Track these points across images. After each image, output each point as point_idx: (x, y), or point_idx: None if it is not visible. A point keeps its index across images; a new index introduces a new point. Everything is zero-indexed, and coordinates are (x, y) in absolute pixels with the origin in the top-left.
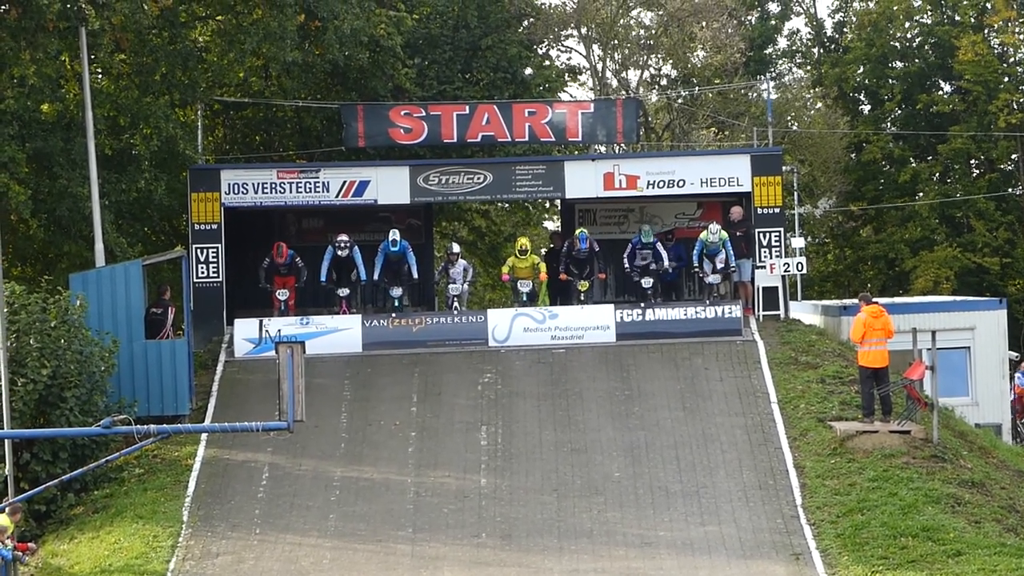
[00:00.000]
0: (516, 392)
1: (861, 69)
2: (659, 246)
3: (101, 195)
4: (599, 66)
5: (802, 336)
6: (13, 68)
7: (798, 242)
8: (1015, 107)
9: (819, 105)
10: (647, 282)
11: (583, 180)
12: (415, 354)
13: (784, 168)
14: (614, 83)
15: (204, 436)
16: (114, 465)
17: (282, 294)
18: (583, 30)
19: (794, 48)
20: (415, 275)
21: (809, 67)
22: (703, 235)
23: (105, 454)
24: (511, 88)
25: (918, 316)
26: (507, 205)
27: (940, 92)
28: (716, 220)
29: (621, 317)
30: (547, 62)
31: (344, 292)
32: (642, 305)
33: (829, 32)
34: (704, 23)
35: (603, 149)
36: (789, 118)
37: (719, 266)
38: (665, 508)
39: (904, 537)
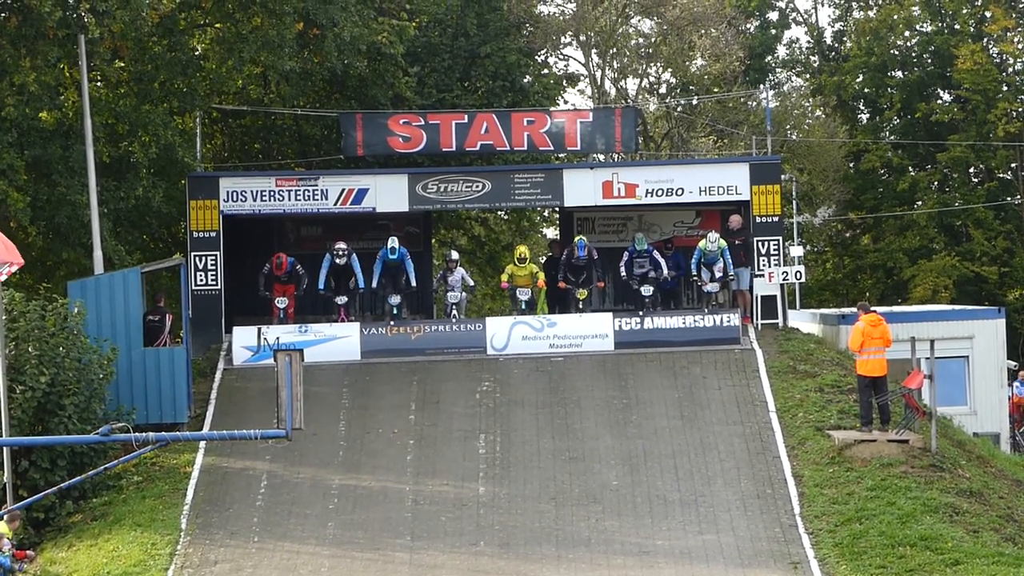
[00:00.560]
0: (514, 400)
1: (860, 78)
2: (655, 254)
3: (100, 203)
4: (598, 74)
5: (800, 345)
6: (13, 75)
7: (797, 251)
8: (1014, 116)
9: (818, 114)
10: (647, 290)
11: (582, 188)
12: (413, 362)
13: (783, 177)
14: (612, 92)
15: (202, 444)
16: (112, 473)
17: (281, 302)
18: (582, 38)
19: (793, 57)
20: (413, 283)
21: (808, 76)
22: (701, 244)
23: (103, 462)
24: (510, 96)
25: (916, 325)
26: (505, 214)
27: (939, 101)
28: (715, 229)
29: (619, 325)
30: (545, 70)
31: (342, 300)
32: (640, 313)
33: (828, 41)
34: (703, 32)
35: (601, 158)
36: (788, 127)
37: (717, 275)
38: (663, 517)
39: (902, 546)
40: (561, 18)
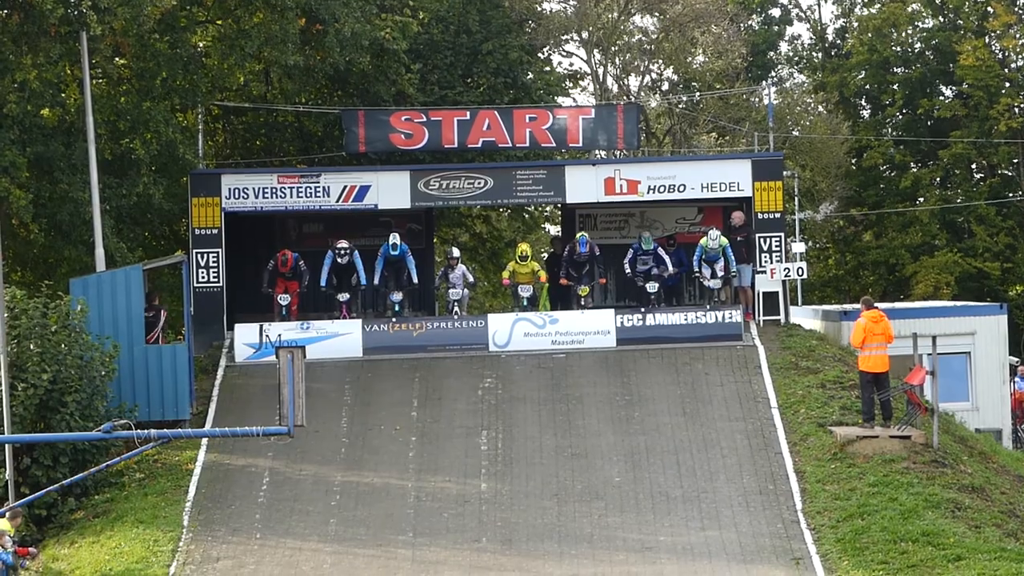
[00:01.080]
0: (516, 397)
1: (862, 74)
2: (660, 251)
3: (101, 200)
4: (600, 71)
5: (802, 341)
6: (15, 72)
7: (799, 247)
8: (1016, 112)
9: (820, 110)
10: (652, 287)
11: (584, 185)
12: (415, 359)
13: (785, 173)
14: (615, 88)
15: (204, 441)
16: (114, 470)
17: (284, 299)
18: (584, 34)
19: (796, 53)
20: (415, 279)
21: (810, 72)
22: (703, 241)
23: (106, 459)
24: (512, 93)
25: (918, 321)
26: (507, 211)
27: (941, 97)
28: (717, 225)
29: (622, 322)
30: (547, 67)
31: (344, 297)
32: (643, 310)
33: (831, 37)
34: (705, 28)
35: (604, 155)
36: (790, 123)
37: (719, 273)
38: (665, 513)
39: (904, 542)
40: (563, 15)
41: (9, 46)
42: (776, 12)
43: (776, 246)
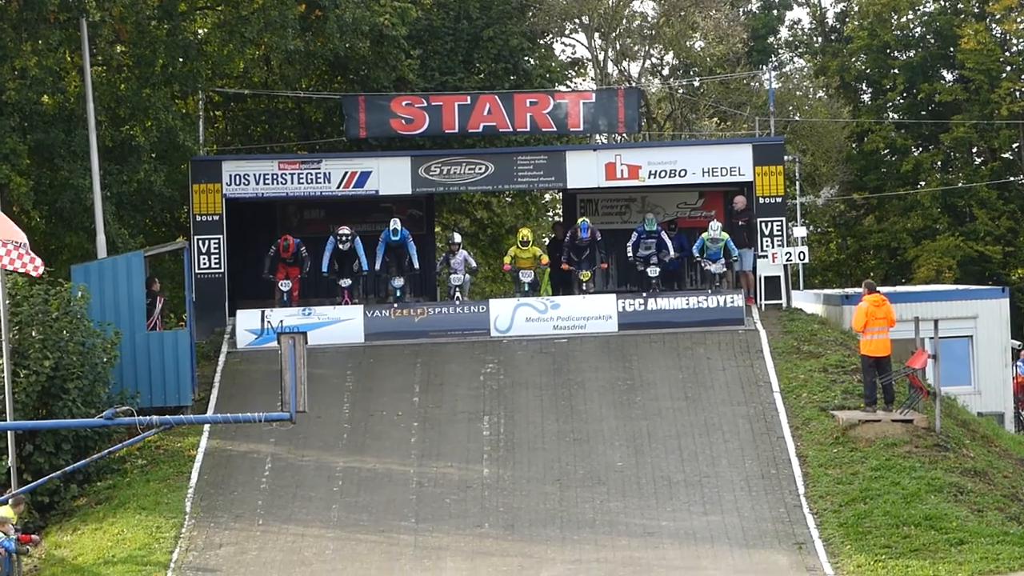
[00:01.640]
0: (518, 382)
1: (863, 58)
2: (663, 234)
3: (102, 187)
4: (600, 56)
5: (804, 325)
6: (15, 60)
7: (800, 231)
8: (1017, 96)
9: (821, 95)
10: (653, 271)
11: (585, 170)
12: (417, 344)
13: (786, 158)
14: (615, 74)
15: (206, 427)
16: (117, 456)
17: (285, 285)
18: (585, 19)
19: (796, 38)
20: (416, 264)
21: (811, 57)
22: (705, 236)
23: (108, 445)
24: (512, 79)
25: (920, 305)
26: (509, 197)
27: (942, 81)
28: (718, 210)
29: (623, 307)
30: (548, 54)
31: (346, 283)
32: (644, 295)
33: (831, 22)
34: (706, 13)
35: (605, 139)
36: (791, 107)
37: (722, 268)
38: (668, 498)
39: (907, 526)
40: (564, 0)
41: (9, 32)
42: None
43: (777, 230)
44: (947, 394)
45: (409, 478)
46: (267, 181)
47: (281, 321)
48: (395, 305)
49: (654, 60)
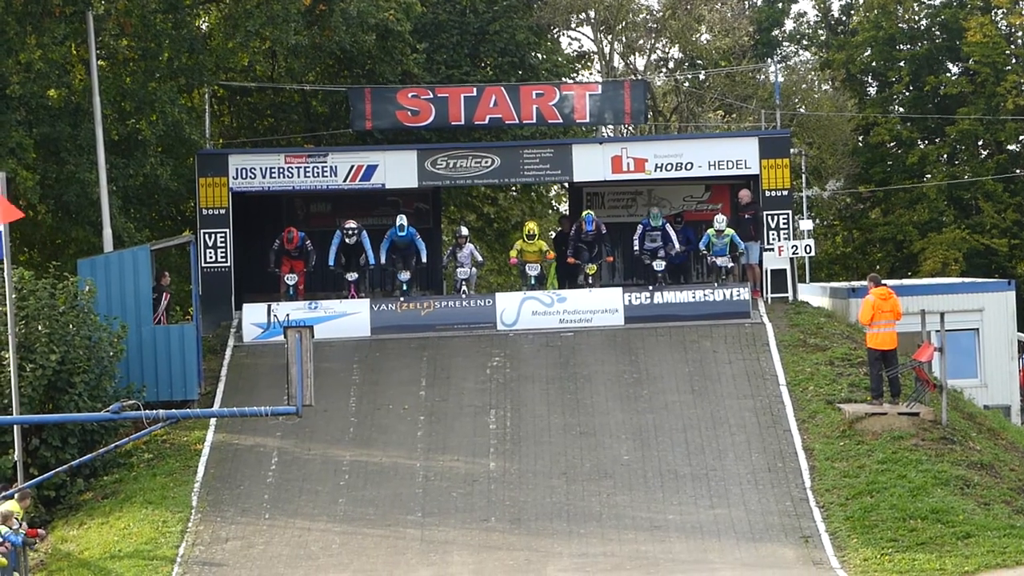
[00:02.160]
0: (525, 376)
1: (869, 51)
2: (668, 228)
3: (108, 180)
4: (606, 49)
5: (811, 318)
6: (20, 54)
7: (806, 224)
8: (1023, 88)
9: (826, 87)
10: (659, 265)
11: (591, 163)
12: (423, 338)
13: (792, 151)
14: (621, 67)
15: (213, 421)
16: (123, 450)
17: (290, 278)
18: (591, 13)
19: (801, 31)
20: (423, 260)
21: (816, 49)
22: (710, 232)
23: (114, 439)
24: (519, 73)
25: (927, 298)
26: (515, 192)
27: (948, 74)
28: (724, 203)
29: (629, 300)
30: (554, 48)
31: (353, 276)
32: (650, 288)
33: (836, 14)
34: (712, 5)
35: (611, 131)
36: (796, 100)
37: (729, 263)
38: (674, 491)
39: (913, 519)
40: None
41: (13, 26)
42: None
43: (784, 223)
44: (953, 387)
45: (415, 472)
46: (273, 175)
47: (287, 315)
48: (401, 299)
49: (659, 54)
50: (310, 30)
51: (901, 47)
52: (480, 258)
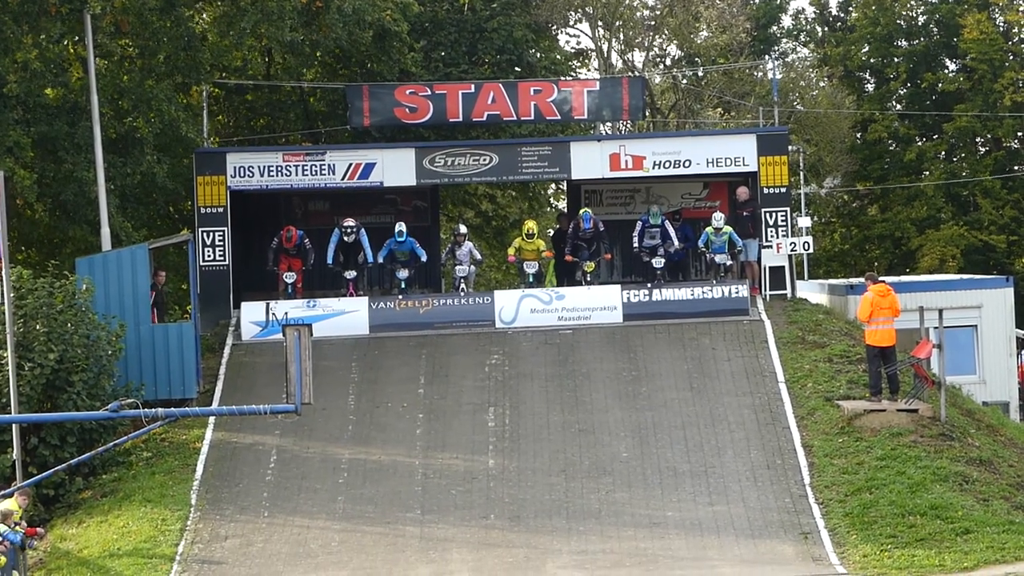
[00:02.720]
0: (523, 373)
1: (866, 48)
2: (667, 225)
3: (106, 179)
4: (604, 46)
5: (809, 315)
6: (16, 53)
7: (804, 221)
8: (1020, 85)
9: (824, 84)
10: (658, 262)
11: (589, 161)
12: (422, 336)
13: (790, 148)
14: (619, 64)
15: (212, 419)
16: (122, 449)
17: (289, 276)
18: (588, 9)
19: (799, 27)
20: (423, 259)
21: (814, 46)
22: (708, 230)
23: (113, 438)
24: (517, 71)
25: (925, 295)
26: (513, 190)
27: (945, 71)
28: (722, 200)
29: (628, 298)
30: (548, 41)
31: (351, 274)
32: (649, 285)
33: (834, 11)
34: (709, 2)
35: (609, 127)
36: (794, 97)
37: (728, 261)
38: (673, 488)
39: (912, 515)
40: None
41: (10, 25)
42: None
43: (782, 221)
44: (952, 383)
45: (415, 470)
46: (271, 173)
47: (286, 313)
48: (400, 297)
49: (657, 51)
50: (307, 28)
51: (899, 44)
52: (479, 256)
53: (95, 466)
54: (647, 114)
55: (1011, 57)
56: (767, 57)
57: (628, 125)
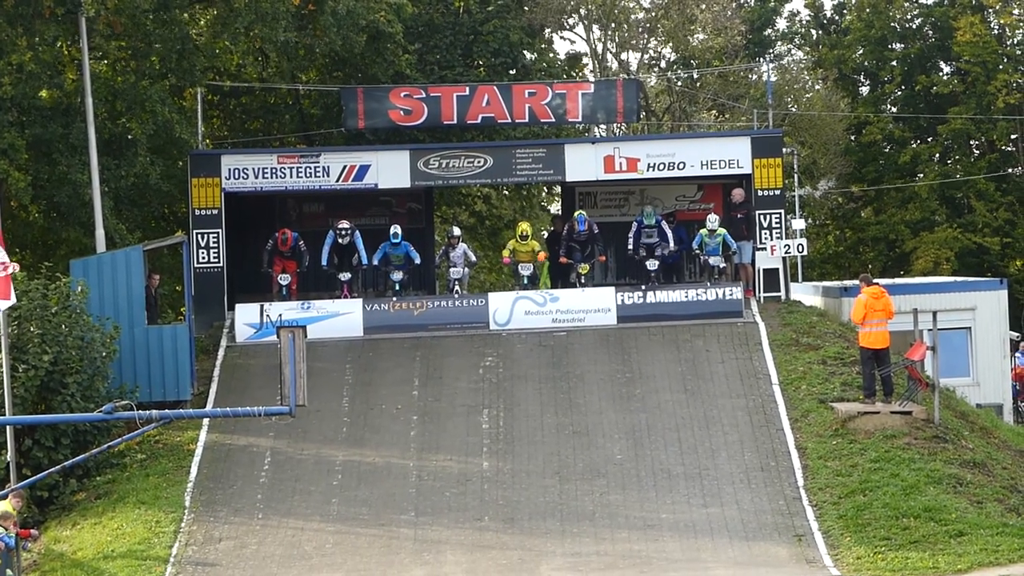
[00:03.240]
0: (517, 375)
1: (860, 50)
2: (663, 225)
3: (100, 181)
4: (599, 48)
5: (803, 317)
6: (11, 55)
7: (798, 224)
8: (1014, 88)
9: (818, 87)
10: (652, 264)
11: (583, 163)
12: (416, 338)
13: (784, 150)
14: (614, 66)
15: (206, 421)
16: (116, 451)
17: (284, 278)
18: (583, 11)
19: (793, 30)
20: (416, 262)
21: (808, 49)
22: (702, 232)
23: (107, 440)
24: (512, 74)
25: (919, 297)
26: (507, 191)
27: (939, 73)
28: (717, 203)
29: (622, 300)
30: (544, 45)
31: (346, 276)
32: (643, 287)
33: (828, 13)
34: (704, 5)
35: (603, 132)
36: (788, 100)
37: (722, 263)
38: (667, 490)
39: (906, 518)
40: None
41: (4, 27)
42: None
43: (776, 223)
44: (946, 386)
45: (409, 472)
46: (266, 175)
47: (280, 315)
48: (394, 299)
49: (652, 53)
50: (304, 30)
51: (893, 46)
52: (473, 258)
53: (89, 468)
54: (642, 117)
55: (1004, 60)
56: (761, 60)
57: (623, 128)
